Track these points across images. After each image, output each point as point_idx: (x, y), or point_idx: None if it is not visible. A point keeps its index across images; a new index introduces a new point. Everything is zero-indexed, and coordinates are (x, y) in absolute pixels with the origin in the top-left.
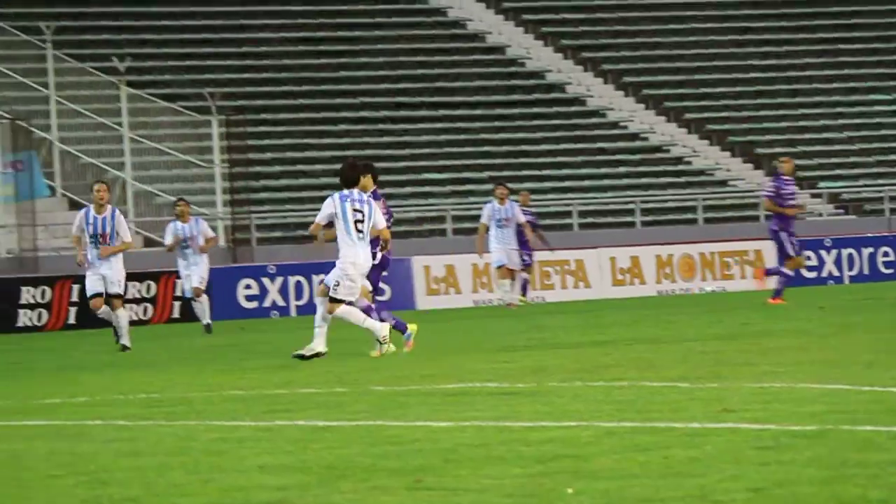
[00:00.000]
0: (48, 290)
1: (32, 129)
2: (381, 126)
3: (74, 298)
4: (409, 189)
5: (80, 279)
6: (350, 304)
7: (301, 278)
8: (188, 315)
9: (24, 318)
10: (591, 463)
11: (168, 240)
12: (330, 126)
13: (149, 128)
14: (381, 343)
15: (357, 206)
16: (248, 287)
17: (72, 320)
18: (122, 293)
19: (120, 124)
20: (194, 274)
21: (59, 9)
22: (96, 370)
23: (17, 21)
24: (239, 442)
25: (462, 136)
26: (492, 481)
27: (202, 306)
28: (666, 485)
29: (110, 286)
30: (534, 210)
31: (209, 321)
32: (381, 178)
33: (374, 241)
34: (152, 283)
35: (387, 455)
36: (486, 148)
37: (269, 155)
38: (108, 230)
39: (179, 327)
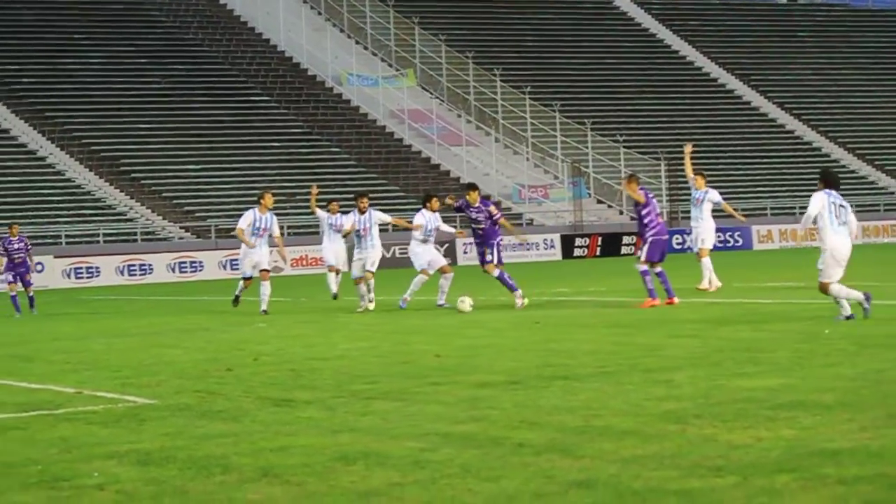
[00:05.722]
0: (587, 240)
1: (584, 169)
2: None
3: (600, 244)
4: None
5: (605, 235)
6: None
7: None
8: None
9: (577, 251)
10: None
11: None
12: None
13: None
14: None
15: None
16: None
17: (598, 253)
18: (269, 269)
19: None
20: (367, 258)
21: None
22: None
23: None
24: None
25: None
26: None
27: (367, 288)
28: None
29: (261, 265)
30: None
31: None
32: None
33: None
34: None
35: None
36: None
37: None
38: (266, 226)
39: None
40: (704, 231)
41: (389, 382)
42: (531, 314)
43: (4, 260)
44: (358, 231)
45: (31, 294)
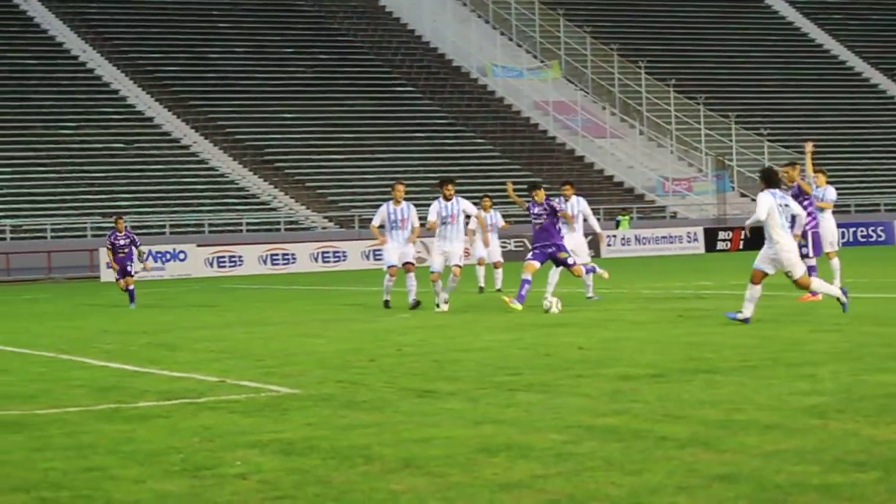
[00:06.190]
0: (730, 233)
1: (728, 162)
2: None
3: (743, 237)
4: None
5: (753, 231)
6: None
7: None
8: None
9: (720, 244)
10: None
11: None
12: None
13: None
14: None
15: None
16: None
17: (741, 247)
18: (413, 262)
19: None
20: (453, 252)
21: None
22: None
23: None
24: None
25: None
26: None
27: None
28: None
29: (405, 257)
30: None
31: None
32: None
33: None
34: None
35: None
36: None
37: None
38: (404, 217)
39: None
40: (828, 233)
41: (532, 374)
42: (673, 306)
43: (111, 254)
44: (444, 219)
45: (131, 287)
